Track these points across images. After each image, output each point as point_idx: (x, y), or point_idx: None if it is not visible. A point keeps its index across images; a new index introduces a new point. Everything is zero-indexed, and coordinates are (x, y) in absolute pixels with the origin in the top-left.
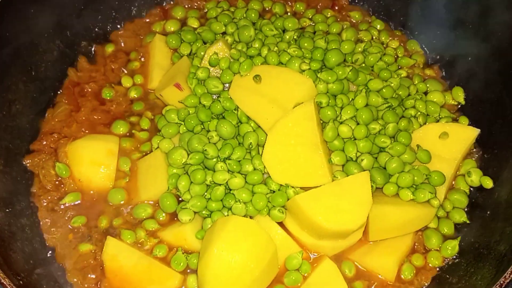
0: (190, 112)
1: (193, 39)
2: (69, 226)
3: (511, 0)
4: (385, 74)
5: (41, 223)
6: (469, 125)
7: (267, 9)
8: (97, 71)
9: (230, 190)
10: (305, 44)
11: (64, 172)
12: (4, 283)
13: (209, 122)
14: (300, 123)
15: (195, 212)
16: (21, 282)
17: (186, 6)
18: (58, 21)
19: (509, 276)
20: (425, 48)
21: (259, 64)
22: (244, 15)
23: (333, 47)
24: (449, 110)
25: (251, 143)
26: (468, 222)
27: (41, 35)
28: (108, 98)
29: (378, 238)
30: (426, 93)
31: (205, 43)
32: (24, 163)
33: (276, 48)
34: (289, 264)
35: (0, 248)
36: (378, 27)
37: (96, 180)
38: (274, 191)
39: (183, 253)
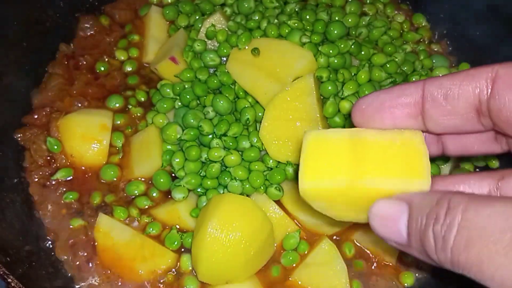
0: (186, 86)
1: (191, 11)
2: (61, 201)
3: None
4: (389, 48)
5: (32, 198)
6: None
7: None
8: (92, 44)
9: (226, 167)
10: (307, 17)
11: (55, 147)
12: None
13: (205, 97)
14: (299, 97)
15: (189, 190)
16: (8, 259)
17: None
18: None
19: None
20: (432, 23)
21: (258, 37)
22: None
23: (336, 19)
24: None
25: (248, 118)
26: None
27: (33, 5)
28: (103, 71)
29: None
30: (432, 69)
31: (203, 15)
32: (15, 137)
33: (276, 20)
34: (286, 244)
35: None
36: (383, 0)
37: (89, 156)
38: (271, 168)
39: (177, 232)
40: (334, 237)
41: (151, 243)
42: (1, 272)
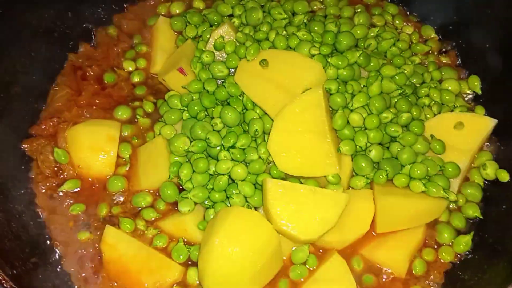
0: (194, 98)
1: (199, 22)
2: (69, 213)
3: None
4: (398, 60)
5: (39, 210)
6: (485, 115)
7: None
8: (100, 54)
9: (234, 180)
10: (316, 28)
11: (63, 158)
12: None
13: (213, 109)
14: (308, 109)
15: (195, 203)
16: (14, 271)
17: None
18: (59, 2)
19: None
20: (441, 35)
21: (267, 48)
22: None
23: (345, 30)
24: (465, 100)
25: (257, 130)
26: (481, 217)
27: (41, 15)
28: (110, 82)
29: (385, 230)
30: (440, 81)
31: (211, 25)
32: (22, 147)
33: (284, 32)
34: (295, 257)
35: None
36: (392, 11)
37: (96, 167)
38: None
39: (184, 245)
40: (344, 252)
41: (157, 255)
42: (8, 286)
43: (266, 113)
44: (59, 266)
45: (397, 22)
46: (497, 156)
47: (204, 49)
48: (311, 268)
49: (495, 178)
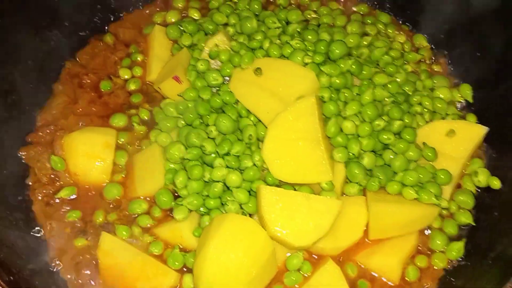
0: (189, 105)
1: (195, 30)
2: (65, 220)
3: None
4: (390, 69)
5: (36, 217)
6: (477, 123)
7: (271, 0)
8: (96, 62)
9: (229, 187)
10: (309, 37)
11: (59, 165)
12: None
13: (208, 116)
14: (301, 117)
15: (190, 210)
16: (11, 278)
17: None
18: (56, 11)
19: None
20: (432, 44)
21: (261, 57)
22: (247, 6)
23: (338, 39)
24: (457, 107)
25: (250, 134)
26: (473, 224)
27: (39, 24)
28: (107, 90)
29: (378, 237)
30: (432, 90)
31: (206, 34)
32: (19, 155)
33: (278, 40)
34: (289, 264)
35: None
36: (384, 20)
37: (92, 174)
38: None
39: (180, 251)
40: (338, 258)
41: (153, 262)
42: None
43: (260, 121)
44: (56, 273)
45: (389, 31)
46: (489, 164)
47: (199, 58)
48: (306, 275)
49: (487, 185)
